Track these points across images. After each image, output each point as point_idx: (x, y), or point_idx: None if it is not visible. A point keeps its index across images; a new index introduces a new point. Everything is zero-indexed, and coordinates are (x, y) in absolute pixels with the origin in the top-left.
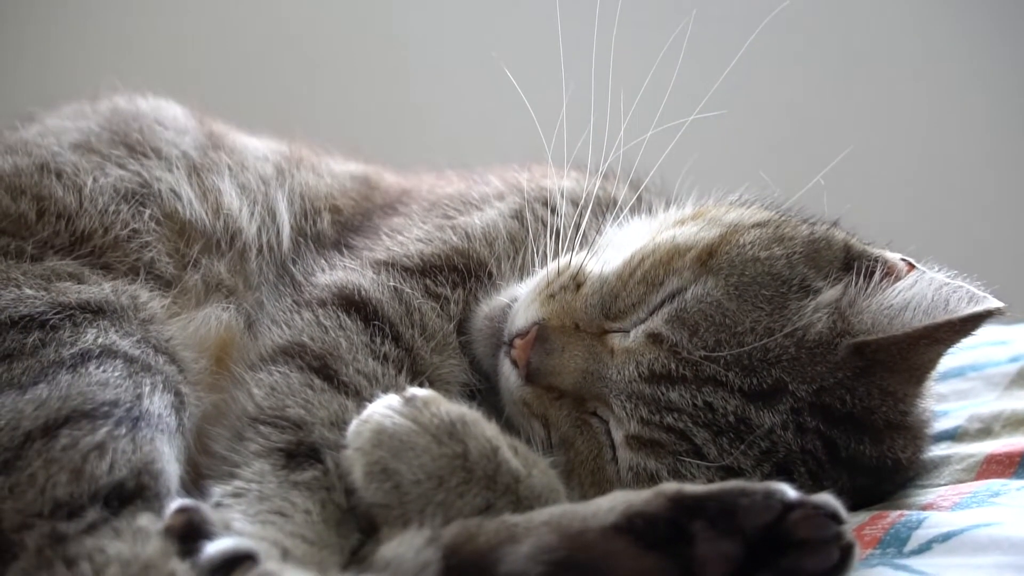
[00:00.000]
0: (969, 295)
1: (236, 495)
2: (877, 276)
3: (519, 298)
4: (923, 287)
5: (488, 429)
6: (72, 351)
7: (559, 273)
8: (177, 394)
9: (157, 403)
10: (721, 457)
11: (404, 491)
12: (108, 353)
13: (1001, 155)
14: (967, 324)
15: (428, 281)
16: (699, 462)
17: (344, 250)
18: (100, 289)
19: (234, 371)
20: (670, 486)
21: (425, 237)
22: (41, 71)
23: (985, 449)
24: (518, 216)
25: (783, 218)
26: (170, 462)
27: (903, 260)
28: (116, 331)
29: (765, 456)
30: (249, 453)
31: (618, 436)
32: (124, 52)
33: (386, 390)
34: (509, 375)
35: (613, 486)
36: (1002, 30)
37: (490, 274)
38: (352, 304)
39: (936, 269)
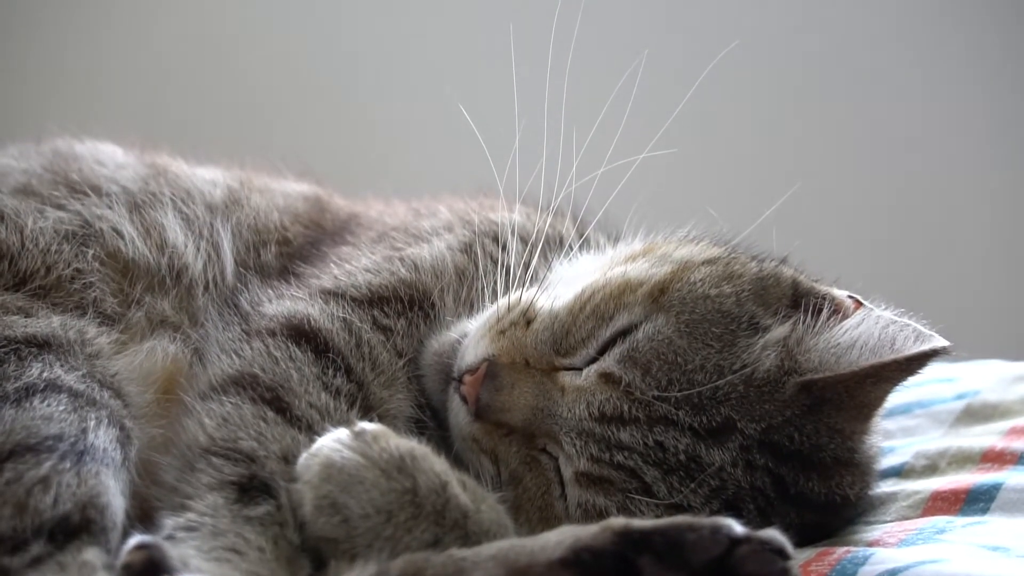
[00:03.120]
0: (916, 333)
1: (189, 529)
2: (824, 314)
3: (469, 334)
4: (870, 325)
5: (437, 464)
6: (16, 385)
7: (509, 309)
8: (122, 428)
9: (102, 437)
10: (671, 495)
11: (353, 525)
12: (53, 387)
13: (950, 192)
14: (913, 363)
15: (376, 312)
16: (648, 499)
17: (291, 278)
18: (48, 323)
19: (184, 400)
20: (617, 520)
21: (373, 267)
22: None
23: (931, 486)
24: (467, 250)
25: (732, 255)
26: (116, 496)
27: (850, 297)
28: (61, 365)
29: (714, 494)
30: (201, 485)
31: (567, 473)
32: (75, 84)
33: (337, 425)
34: (458, 411)
35: (561, 522)
36: (949, 65)
37: (434, 307)
38: (302, 335)
39: (883, 307)
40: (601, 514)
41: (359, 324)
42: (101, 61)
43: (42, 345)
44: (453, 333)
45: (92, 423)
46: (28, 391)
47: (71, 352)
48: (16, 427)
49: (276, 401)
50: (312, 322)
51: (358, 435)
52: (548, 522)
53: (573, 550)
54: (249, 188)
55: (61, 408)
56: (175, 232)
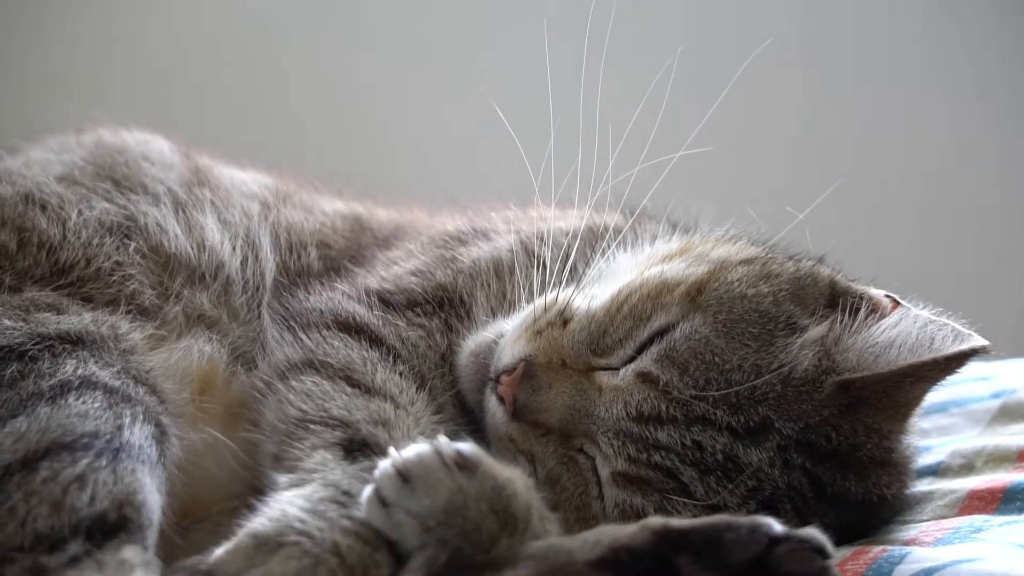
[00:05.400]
0: (954, 333)
1: (303, 482)
2: (862, 313)
3: (505, 334)
4: (908, 325)
5: (522, 490)
6: (51, 382)
7: (546, 309)
8: (158, 425)
9: (138, 434)
10: (708, 495)
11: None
12: (87, 384)
13: (986, 192)
14: (952, 362)
15: (410, 313)
16: (686, 500)
17: (337, 276)
18: (80, 319)
19: (260, 379)
20: (656, 520)
21: (417, 270)
22: (27, 102)
23: (967, 485)
24: (512, 252)
25: (769, 255)
26: (152, 493)
27: (888, 297)
28: (96, 362)
29: (751, 494)
30: (307, 447)
31: (604, 473)
32: (114, 80)
33: (412, 403)
34: (495, 411)
35: (599, 522)
36: (989, 65)
37: (464, 304)
38: (351, 328)
39: (921, 306)
40: (638, 514)
41: (395, 323)
42: (118, 60)
43: (76, 341)
44: (489, 333)
45: (127, 420)
46: (63, 388)
47: (105, 348)
48: (52, 425)
49: (349, 379)
50: (358, 318)
51: (463, 465)
52: (585, 522)
53: (611, 549)
54: (286, 202)
55: (96, 405)
56: (213, 232)
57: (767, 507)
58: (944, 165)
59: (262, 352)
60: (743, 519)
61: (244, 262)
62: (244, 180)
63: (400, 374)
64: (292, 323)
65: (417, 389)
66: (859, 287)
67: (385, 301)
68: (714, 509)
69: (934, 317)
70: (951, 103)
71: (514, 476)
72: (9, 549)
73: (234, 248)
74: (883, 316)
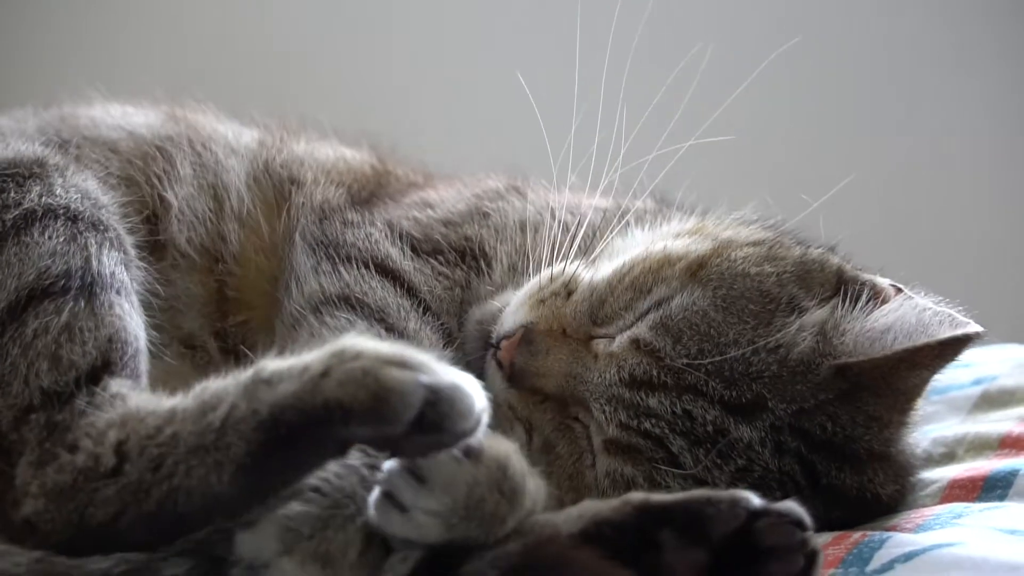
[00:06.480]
0: (950, 319)
1: None
2: (864, 299)
3: (510, 303)
4: (907, 311)
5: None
6: (15, 214)
7: (551, 280)
8: (125, 252)
9: (107, 262)
10: (696, 467)
11: None
12: (50, 213)
13: (1001, 186)
14: (946, 348)
15: (434, 261)
16: (675, 471)
17: (373, 208)
18: (52, 149)
19: (291, 308)
20: (637, 495)
21: (449, 220)
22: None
23: (948, 474)
24: (540, 216)
25: (778, 238)
26: (132, 318)
27: (892, 286)
28: (62, 183)
29: (740, 474)
30: None
31: (597, 441)
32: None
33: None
34: (494, 377)
35: (591, 492)
36: (1009, 62)
37: (490, 264)
38: (387, 272)
39: (923, 295)
40: (629, 484)
41: (424, 271)
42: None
43: (42, 164)
44: (496, 303)
45: (94, 248)
46: (27, 219)
47: (66, 169)
48: (25, 269)
49: (383, 321)
50: (393, 263)
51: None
52: (578, 491)
53: (594, 523)
54: (288, 140)
55: (61, 239)
56: (184, 170)
57: (756, 490)
58: (964, 159)
59: (293, 278)
60: (723, 493)
61: (219, 197)
62: (230, 126)
63: (431, 328)
64: (331, 252)
65: (444, 346)
66: (865, 275)
67: (414, 248)
68: (702, 484)
69: (932, 305)
70: (974, 101)
71: (509, 448)
72: (20, 410)
73: (202, 187)
74: (885, 303)
